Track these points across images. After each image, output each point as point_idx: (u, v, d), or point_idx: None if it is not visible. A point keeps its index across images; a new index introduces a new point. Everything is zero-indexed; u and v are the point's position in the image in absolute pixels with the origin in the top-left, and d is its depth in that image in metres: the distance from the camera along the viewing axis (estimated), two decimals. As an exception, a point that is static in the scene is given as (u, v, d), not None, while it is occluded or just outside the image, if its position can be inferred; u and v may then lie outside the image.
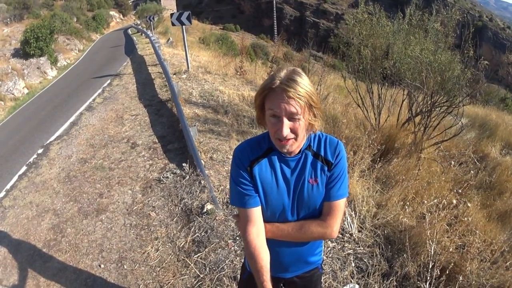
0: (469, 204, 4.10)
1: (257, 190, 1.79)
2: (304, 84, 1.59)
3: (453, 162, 5.70)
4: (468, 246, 3.59)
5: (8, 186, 6.86)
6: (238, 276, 3.64)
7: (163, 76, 12.43)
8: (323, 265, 3.60)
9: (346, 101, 9.13)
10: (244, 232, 1.79)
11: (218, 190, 5.30)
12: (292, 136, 1.66)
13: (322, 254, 2.12)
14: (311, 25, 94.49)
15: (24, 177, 7.15)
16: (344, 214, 4.24)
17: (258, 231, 1.78)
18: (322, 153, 1.80)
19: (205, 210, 4.81)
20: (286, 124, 1.61)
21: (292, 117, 1.61)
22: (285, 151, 1.73)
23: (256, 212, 1.79)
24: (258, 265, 1.74)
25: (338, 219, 1.81)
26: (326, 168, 1.79)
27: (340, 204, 1.81)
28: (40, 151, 8.33)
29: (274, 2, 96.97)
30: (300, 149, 1.77)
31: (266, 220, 1.83)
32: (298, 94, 1.57)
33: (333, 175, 1.79)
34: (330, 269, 3.67)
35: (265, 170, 1.79)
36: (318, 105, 1.66)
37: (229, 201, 4.95)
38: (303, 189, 1.78)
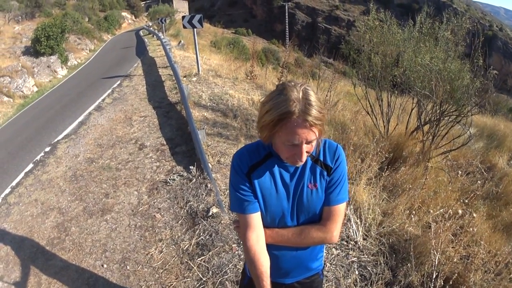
0: (474, 215, 4.06)
1: (256, 196, 1.79)
2: (318, 105, 1.54)
3: (460, 172, 5.66)
4: (473, 256, 3.56)
5: (13, 183, 6.92)
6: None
7: (173, 78, 12.48)
8: (326, 272, 3.60)
9: (356, 108, 9.11)
10: (243, 238, 1.78)
11: (224, 194, 5.30)
12: (307, 155, 1.67)
13: (323, 259, 2.10)
14: (322, 31, 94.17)
15: (30, 174, 7.20)
16: (350, 221, 4.22)
17: (257, 237, 1.77)
18: (322, 158, 1.79)
19: (210, 214, 4.81)
20: (305, 149, 1.61)
21: (309, 141, 1.59)
22: (297, 165, 1.74)
23: (256, 218, 1.78)
24: (258, 270, 1.74)
25: (339, 224, 1.80)
26: (325, 173, 1.78)
27: (340, 209, 1.80)
28: (47, 149, 8.39)
29: (287, 8, 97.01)
30: None
31: (266, 226, 1.82)
32: (318, 120, 1.54)
33: (332, 179, 1.79)
34: (334, 276, 3.64)
35: (264, 175, 1.78)
36: (325, 121, 1.64)
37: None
38: (303, 194, 1.77)
